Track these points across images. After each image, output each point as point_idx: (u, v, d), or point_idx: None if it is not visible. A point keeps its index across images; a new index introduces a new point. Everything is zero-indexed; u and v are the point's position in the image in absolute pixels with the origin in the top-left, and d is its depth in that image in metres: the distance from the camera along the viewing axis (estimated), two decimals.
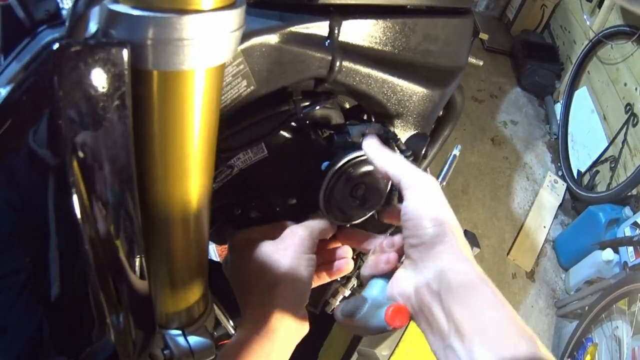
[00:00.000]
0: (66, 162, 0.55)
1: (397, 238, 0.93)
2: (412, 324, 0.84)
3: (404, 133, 1.36)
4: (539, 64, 6.23)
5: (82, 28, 0.59)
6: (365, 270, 0.95)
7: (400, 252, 0.93)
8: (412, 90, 1.27)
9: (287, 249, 0.99)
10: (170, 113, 0.62)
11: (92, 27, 0.59)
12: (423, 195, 0.86)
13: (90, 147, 0.56)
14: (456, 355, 0.72)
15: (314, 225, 1.07)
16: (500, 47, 6.87)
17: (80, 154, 0.56)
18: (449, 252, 0.80)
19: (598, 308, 3.78)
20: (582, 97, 5.67)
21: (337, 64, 1.07)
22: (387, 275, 0.91)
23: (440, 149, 1.87)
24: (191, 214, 0.76)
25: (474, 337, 0.71)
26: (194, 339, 0.92)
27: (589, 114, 5.48)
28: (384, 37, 1.18)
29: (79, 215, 0.58)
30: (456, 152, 1.05)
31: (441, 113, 1.87)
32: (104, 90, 0.54)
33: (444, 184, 1.05)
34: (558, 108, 5.97)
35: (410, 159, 1.30)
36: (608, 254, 4.06)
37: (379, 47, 1.18)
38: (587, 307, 3.97)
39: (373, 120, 1.33)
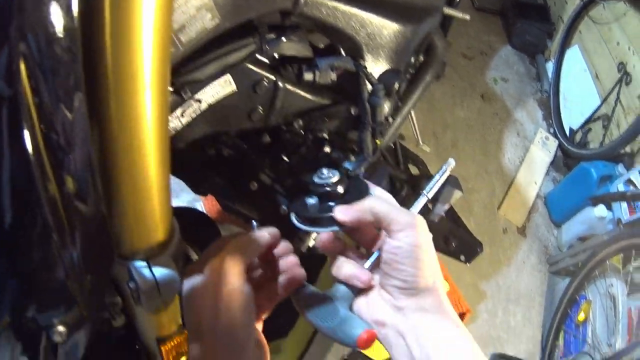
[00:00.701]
0: (15, 78, 0.54)
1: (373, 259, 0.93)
2: None
3: (376, 67, 1.36)
4: (530, 22, 6.18)
5: None
6: (335, 272, 0.94)
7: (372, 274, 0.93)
8: (382, 24, 1.27)
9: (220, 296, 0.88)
10: (121, 25, 0.61)
11: None
12: (418, 240, 0.85)
13: (40, 66, 0.56)
14: None
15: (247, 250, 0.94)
16: (490, 6, 6.81)
17: (30, 75, 0.55)
18: (429, 295, 0.84)
19: (591, 264, 3.77)
20: (574, 56, 5.64)
21: None
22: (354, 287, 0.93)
23: (423, 94, 1.88)
24: (147, 134, 0.74)
25: None
26: (159, 271, 0.88)
27: (581, 73, 5.45)
28: None
29: (28, 142, 0.58)
30: (447, 167, 1.00)
31: (422, 59, 1.87)
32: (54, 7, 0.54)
33: (430, 196, 1.01)
34: (549, 66, 5.93)
35: (383, 92, 1.31)
36: (601, 210, 4.07)
37: None
38: (580, 264, 3.97)
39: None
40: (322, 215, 0.96)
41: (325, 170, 1.00)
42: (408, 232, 0.85)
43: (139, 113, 0.69)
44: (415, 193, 1.89)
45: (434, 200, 1.23)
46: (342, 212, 0.91)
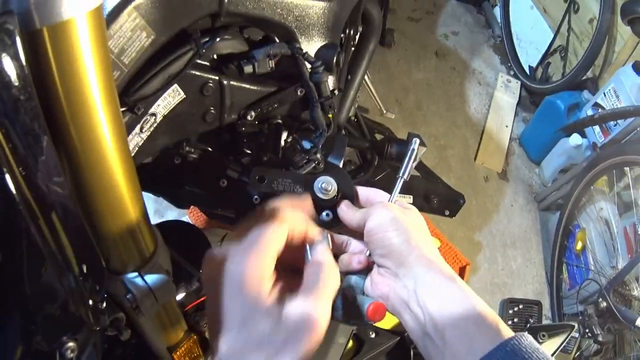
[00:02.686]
0: None
1: (361, 244, 1.06)
2: None
3: (311, 46, 1.42)
4: None
5: None
6: (341, 268, 1.05)
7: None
8: (307, 5, 1.33)
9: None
10: (65, 62, 0.68)
11: None
12: (378, 212, 0.99)
13: (6, 113, 0.61)
14: (432, 339, 0.86)
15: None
16: None
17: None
18: (418, 260, 0.93)
19: (577, 193, 3.84)
20: None
21: None
22: (360, 272, 1.04)
23: (370, 62, 1.96)
24: (109, 154, 0.79)
25: (445, 323, 0.85)
26: (151, 278, 0.96)
27: (528, 11, 5.52)
28: None
29: (12, 186, 0.64)
30: (414, 145, 1.12)
31: (361, 29, 1.94)
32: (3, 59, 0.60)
33: (406, 178, 1.11)
34: (497, 11, 5.96)
35: (322, 68, 1.37)
36: (576, 139, 4.11)
37: None
38: (566, 195, 4.01)
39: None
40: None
41: (324, 184, 1.10)
42: (371, 213, 0.99)
43: (98, 135, 0.75)
44: (380, 156, 1.97)
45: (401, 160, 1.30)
46: (343, 215, 1.08)
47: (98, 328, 0.90)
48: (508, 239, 4.28)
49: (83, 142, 0.74)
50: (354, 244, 1.06)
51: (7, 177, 0.64)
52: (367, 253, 1.02)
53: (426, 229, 1.01)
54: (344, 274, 1.05)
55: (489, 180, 4.56)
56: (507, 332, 0.81)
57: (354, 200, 1.11)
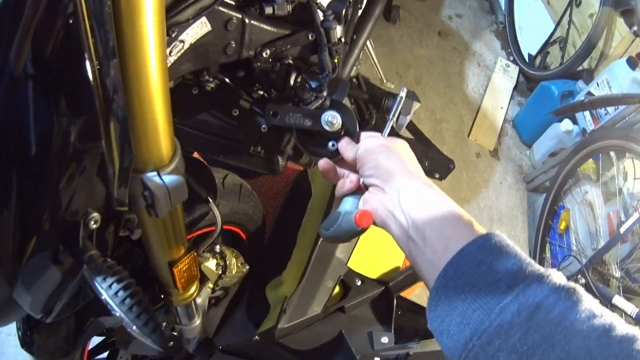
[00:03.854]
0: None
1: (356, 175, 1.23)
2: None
3: None
4: None
5: None
6: (337, 192, 1.24)
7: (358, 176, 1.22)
8: None
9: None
10: None
11: None
12: (368, 140, 1.20)
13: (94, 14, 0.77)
14: (414, 241, 0.99)
15: None
16: None
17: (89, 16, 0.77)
18: (402, 174, 1.08)
19: (563, 174, 3.96)
20: None
21: None
22: (354, 193, 1.20)
23: (375, 25, 2.12)
24: (152, 61, 0.91)
25: (425, 225, 0.99)
26: (168, 178, 1.05)
27: (532, 1, 5.64)
28: None
29: (89, 72, 0.79)
30: (402, 94, 1.31)
31: None
32: None
33: (395, 120, 1.31)
34: None
35: (332, 17, 1.54)
36: (567, 124, 4.24)
37: None
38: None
39: None
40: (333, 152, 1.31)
41: (330, 117, 1.29)
42: (362, 141, 1.22)
43: (146, 48, 0.88)
44: (378, 109, 2.13)
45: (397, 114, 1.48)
46: (342, 149, 1.27)
47: (120, 209, 1.03)
48: (495, 214, 4.39)
49: (134, 50, 0.87)
50: (352, 175, 1.22)
51: (87, 64, 0.79)
52: (362, 180, 1.18)
53: (411, 153, 1.18)
54: (341, 197, 1.22)
55: (480, 157, 4.67)
56: (481, 230, 0.94)
57: (356, 137, 1.28)
